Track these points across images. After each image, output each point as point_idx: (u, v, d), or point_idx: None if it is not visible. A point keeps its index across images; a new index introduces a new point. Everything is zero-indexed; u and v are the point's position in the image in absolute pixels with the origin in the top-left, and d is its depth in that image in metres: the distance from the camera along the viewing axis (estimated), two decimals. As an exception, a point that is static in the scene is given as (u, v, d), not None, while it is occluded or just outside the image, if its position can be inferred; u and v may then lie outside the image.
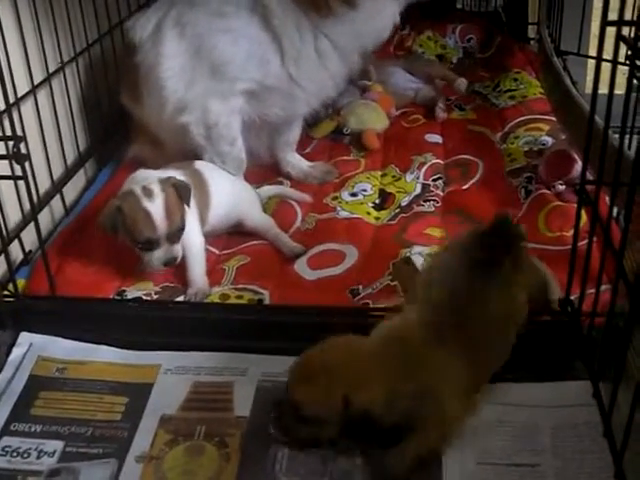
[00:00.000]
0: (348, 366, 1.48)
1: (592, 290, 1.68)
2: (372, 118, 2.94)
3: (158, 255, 2.02)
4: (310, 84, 2.40)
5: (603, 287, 1.64)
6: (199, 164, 2.26)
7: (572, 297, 1.81)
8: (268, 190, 2.53)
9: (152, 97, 2.46)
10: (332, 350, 1.52)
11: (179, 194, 2.03)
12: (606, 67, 1.51)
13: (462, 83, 3.25)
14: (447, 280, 1.62)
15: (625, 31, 1.46)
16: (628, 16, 1.51)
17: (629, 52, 1.41)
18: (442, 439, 1.52)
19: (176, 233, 2.03)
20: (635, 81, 1.45)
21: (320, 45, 2.33)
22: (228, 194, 2.22)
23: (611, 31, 1.47)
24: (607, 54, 1.51)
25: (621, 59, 1.48)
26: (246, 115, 2.43)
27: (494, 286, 1.53)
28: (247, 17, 2.28)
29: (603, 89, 1.51)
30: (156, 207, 1.97)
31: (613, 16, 1.48)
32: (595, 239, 1.69)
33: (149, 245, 2.01)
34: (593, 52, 1.55)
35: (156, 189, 1.99)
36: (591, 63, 1.49)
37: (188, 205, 2.05)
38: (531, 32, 3.77)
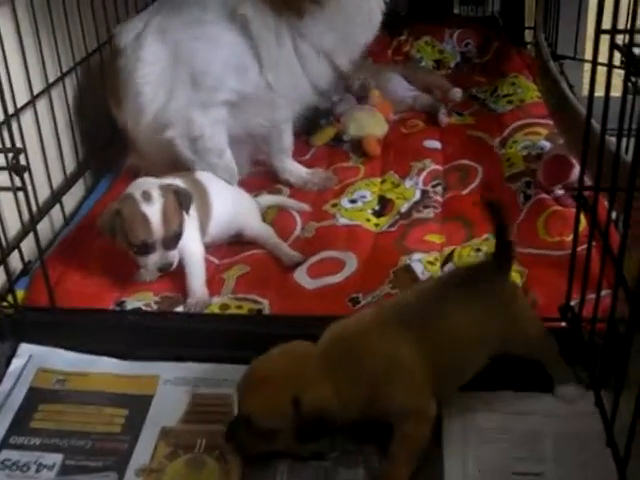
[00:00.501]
0: (294, 369, 1.51)
1: (593, 295, 1.67)
2: (372, 124, 2.94)
3: (153, 260, 2.02)
4: (290, 90, 2.41)
5: (603, 292, 1.63)
6: (199, 174, 2.26)
7: (572, 303, 1.81)
8: (267, 200, 2.52)
9: (130, 103, 2.45)
10: (277, 357, 1.55)
11: (179, 201, 2.03)
12: (603, 70, 1.51)
13: (457, 93, 3.23)
14: (419, 287, 1.74)
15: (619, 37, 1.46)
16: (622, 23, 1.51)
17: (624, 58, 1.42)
18: (418, 426, 1.52)
19: (173, 239, 2.02)
20: (630, 84, 1.44)
21: (301, 48, 2.34)
22: (228, 204, 2.22)
23: (606, 37, 1.47)
24: (603, 57, 1.50)
25: (617, 62, 1.48)
26: (230, 128, 2.43)
27: (464, 303, 1.56)
28: (226, 25, 2.29)
29: (600, 92, 1.51)
30: (153, 211, 1.97)
31: (608, 20, 1.48)
32: (595, 244, 1.69)
33: (145, 249, 2.00)
34: (589, 56, 1.55)
35: (155, 194, 1.99)
36: (587, 66, 1.49)
37: (187, 213, 2.05)
38: (528, 36, 3.76)
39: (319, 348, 1.55)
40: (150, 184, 2.05)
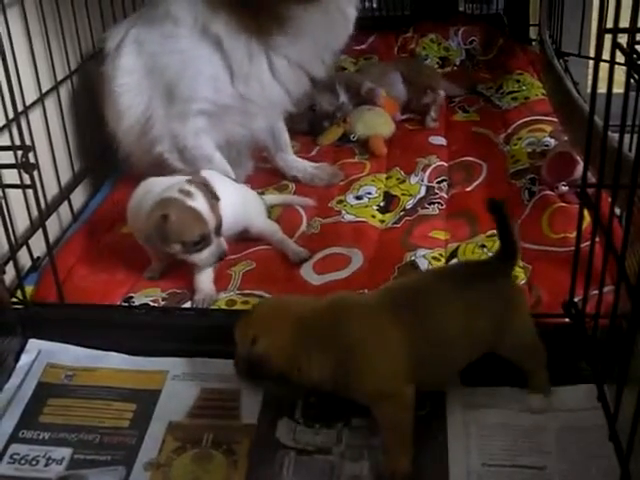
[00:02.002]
0: (273, 315, 1.63)
1: (596, 292, 1.67)
2: (379, 124, 2.94)
3: (211, 251, 2.02)
4: (263, 101, 2.42)
5: (606, 288, 1.63)
6: (206, 173, 2.26)
7: (576, 299, 1.81)
8: (271, 199, 2.53)
9: (109, 108, 2.49)
10: (279, 301, 1.73)
11: (209, 190, 2.04)
12: (607, 66, 1.51)
13: (439, 97, 3.20)
14: (420, 275, 1.82)
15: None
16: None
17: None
18: (395, 411, 1.54)
19: (220, 226, 2.02)
20: (633, 81, 1.45)
21: (273, 61, 2.36)
22: (235, 202, 2.22)
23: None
24: (607, 54, 1.51)
25: (620, 59, 1.48)
26: (213, 136, 2.45)
27: (460, 298, 1.56)
28: (198, 39, 2.30)
29: (603, 88, 1.51)
30: (201, 204, 1.96)
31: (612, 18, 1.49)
32: (598, 240, 1.69)
33: (203, 242, 1.99)
34: (594, 53, 1.55)
35: (192, 188, 1.99)
36: (592, 64, 1.50)
37: (218, 198, 2.05)
38: (533, 33, 3.76)
39: (312, 310, 1.61)
40: (176, 182, 2.04)
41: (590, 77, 1.67)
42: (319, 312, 1.60)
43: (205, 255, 2.02)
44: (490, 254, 1.91)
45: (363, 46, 3.78)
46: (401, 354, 1.52)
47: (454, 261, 2.13)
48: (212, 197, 2.00)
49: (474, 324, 1.55)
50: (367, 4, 3.89)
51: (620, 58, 1.44)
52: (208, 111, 2.38)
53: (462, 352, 1.59)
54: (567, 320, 1.83)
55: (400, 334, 1.52)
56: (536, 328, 1.65)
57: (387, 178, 2.67)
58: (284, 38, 2.30)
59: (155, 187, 2.06)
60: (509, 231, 1.56)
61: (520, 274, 2.01)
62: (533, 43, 3.71)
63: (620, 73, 1.48)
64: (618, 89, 1.48)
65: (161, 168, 2.38)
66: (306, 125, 3.00)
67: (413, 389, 1.53)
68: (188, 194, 1.96)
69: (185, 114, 2.37)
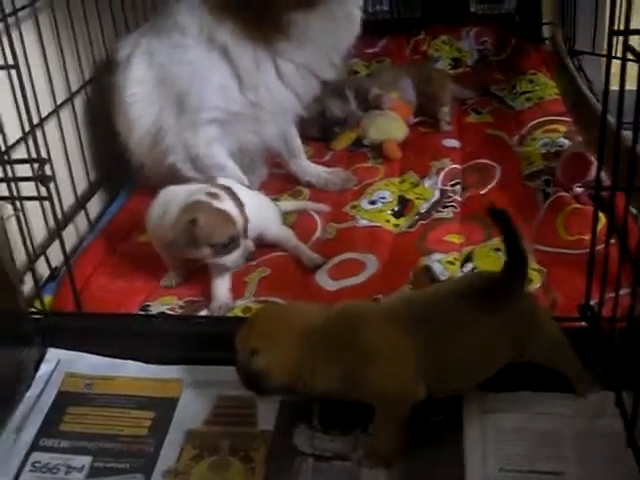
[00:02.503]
0: (275, 328, 1.60)
1: (612, 294, 1.66)
2: (392, 128, 2.94)
3: (240, 253, 2.03)
4: (273, 107, 2.43)
5: (623, 291, 1.62)
6: (222, 180, 2.27)
7: (592, 302, 1.81)
8: (286, 205, 2.53)
9: (120, 118, 2.52)
10: (284, 310, 1.71)
11: (232, 192, 2.05)
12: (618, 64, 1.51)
13: (445, 114, 3.16)
14: (436, 288, 1.77)
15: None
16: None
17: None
18: (397, 409, 1.55)
19: (247, 227, 2.04)
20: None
21: (281, 67, 2.36)
22: (251, 208, 2.23)
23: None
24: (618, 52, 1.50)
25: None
26: (225, 145, 2.46)
27: (475, 314, 1.53)
28: (205, 48, 2.31)
29: (616, 85, 1.50)
30: (229, 205, 1.98)
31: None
32: (613, 241, 1.69)
33: (233, 244, 2.00)
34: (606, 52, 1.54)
35: (217, 190, 2.00)
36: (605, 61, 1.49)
37: (242, 202, 2.06)
38: (546, 32, 3.75)
39: (320, 319, 1.60)
40: (200, 187, 2.06)
41: (604, 75, 1.66)
42: (329, 321, 1.59)
43: (234, 257, 2.03)
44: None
45: (375, 49, 3.78)
46: (413, 364, 1.52)
47: (468, 266, 2.12)
48: (237, 199, 2.02)
49: (491, 344, 1.54)
50: (378, 7, 3.89)
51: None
52: (219, 119, 2.39)
53: (477, 370, 1.58)
54: (583, 324, 1.81)
55: (414, 345, 1.51)
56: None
57: (401, 182, 2.66)
58: (289, 43, 2.31)
59: (177, 194, 2.07)
60: (516, 240, 1.49)
61: (535, 277, 2.01)
62: (546, 42, 3.69)
63: (634, 67, 1.47)
64: (631, 86, 1.47)
65: (174, 177, 2.39)
66: (317, 131, 3.01)
67: (423, 389, 1.54)
68: (215, 196, 1.98)
69: (196, 123, 2.38)
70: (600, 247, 1.74)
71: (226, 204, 1.97)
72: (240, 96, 2.37)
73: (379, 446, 1.59)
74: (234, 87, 2.35)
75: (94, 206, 2.63)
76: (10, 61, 1.80)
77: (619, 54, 1.50)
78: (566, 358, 1.65)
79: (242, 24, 2.27)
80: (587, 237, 2.00)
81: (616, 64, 1.54)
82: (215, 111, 2.37)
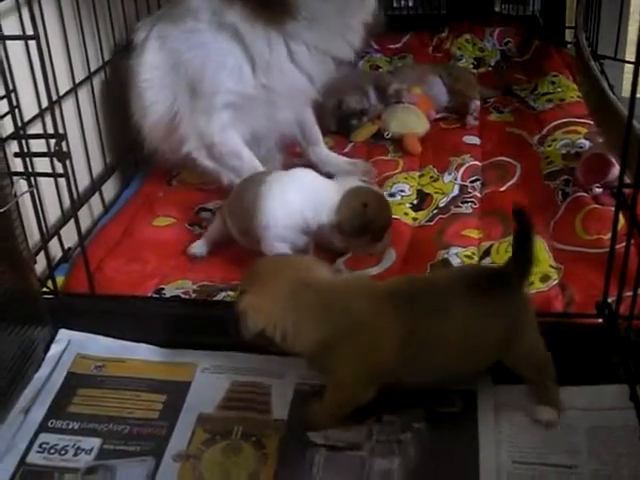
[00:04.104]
0: (266, 273, 1.62)
1: (630, 293, 1.66)
2: (414, 122, 2.92)
3: (387, 238, 2.08)
4: (285, 89, 2.41)
5: (640, 290, 1.63)
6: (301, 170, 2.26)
7: (609, 300, 1.80)
8: None
9: (134, 103, 2.51)
10: (279, 260, 1.75)
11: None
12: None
13: (475, 106, 3.16)
14: (432, 275, 1.83)
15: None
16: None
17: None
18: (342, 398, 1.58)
19: None
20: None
21: (294, 51, 2.34)
22: None
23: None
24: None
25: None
26: (239, 131, 2.44)
27: (466, 306, 1.52)
28: (217, 32, 2.30)
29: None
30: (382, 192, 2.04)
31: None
32: (633, 241, 1.68)
33: (386, 230, 2.05)
34: (630, 56, 1.53)
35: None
36: (628, 67, 1.48)
37: None
38: (568, 36, 3.74)
39: (320, 281, 1.60)
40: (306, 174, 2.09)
41: (626, 80, 1.65)
42: (326, 283, 1.59)
43: (383, 242, 2.07)
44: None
45: (398, 45, 3.77)
46: (389, 345, 1.52)
47: (487, 261, 2.11)
48: None
49: (477, 334, 1.53)
50: (403, 3, 3.88)
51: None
52: (233, 104, 2.37)
53: (460, 358, 1.56)
54: (600, 321, 1.81)
55: (393, 325, 1.51)
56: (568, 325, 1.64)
57: (420, 176, 2.65)
58: (298, 24, 2.28)
59: (309, 179, 2.08)
60: (528, 241, 1.51)
61: (553, 274, 2.00)
62: (568, 46, 3.68)
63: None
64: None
65: (188, 163, 2.42)
66: (333, 123, 2.98)
67: (373, 391, 1.56)
68: (370, 183, 2.01)
69: (210, 109, 2.36)
70: (619, 246, 1.74)
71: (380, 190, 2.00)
72: (253, 79, 2.35)
73: (319, 417, 1.61)
74: (247, 70, 2.33)
75: (109, 189, 2.62)
76: (30, 32, 1.77)
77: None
78: (544, 372, 1.62)
79: (252, 6, 2.26)
80: (605, 237, 2.04)
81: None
82: (229, 95, 2.35)
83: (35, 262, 1.98)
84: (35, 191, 1.90)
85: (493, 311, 1.53)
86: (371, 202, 1.96)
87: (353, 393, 1.56)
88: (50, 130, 1.84)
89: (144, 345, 1.88)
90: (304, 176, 2.09)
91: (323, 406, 1.60)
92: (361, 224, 1.95)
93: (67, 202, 2.01)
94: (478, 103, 3.09)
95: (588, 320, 1.83)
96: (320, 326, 1.53)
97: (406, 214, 2.40)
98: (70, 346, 1.91)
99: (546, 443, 1.57)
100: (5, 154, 1.82)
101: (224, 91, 2.34)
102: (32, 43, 1.79)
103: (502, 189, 2.52)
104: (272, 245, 2.01)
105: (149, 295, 2.05)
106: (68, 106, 2.32)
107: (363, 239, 1.99)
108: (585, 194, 2.31)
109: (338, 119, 2.98)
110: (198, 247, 2.19)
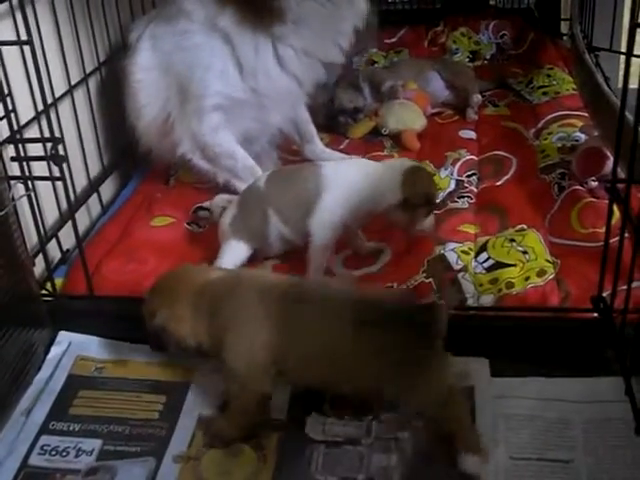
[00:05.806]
0: (172, 288, 1.67)
1: (624, 287, 1.66)
2: (411, 118, 2.92)
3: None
4: (273, 93, 2.42)
5: (635, 284, 1.64)
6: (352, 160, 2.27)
7: (604, 294, 1.81)
8: None
9: (127, 104, 2.51)
10: (177, 275, 1.72)
11: None
12: (637, 62, 1.50)
13: (476, 99, 3.16)
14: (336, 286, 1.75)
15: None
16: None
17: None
18: (241, 394, 1.61)
19: None
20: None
21: (281, 54, 2.35)
22: None
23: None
24: (638, 49, 1.49)
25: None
26: (231, 132, 2.44)
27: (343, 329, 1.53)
28: (208, 34, 2.31)
29: (635, 84, 1.49)
30: None
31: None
32: (627, 235, 1.68)
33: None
34: (625, 48, 1.53)
35: None
36: (623, 58, 1.47)
37: None
38: (564, 28, 3.75)
39: (217, 278, 1.68)
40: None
41: (621, 72, 1.65)
42: (218, 282, 1.66)
43: (430, 218, 2.09)
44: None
45: (393, 39, 3.78)
46: (262, 349, 1.56)
47: (483, 256, 2.10)
48: None
49: (354, 353, 1.52)
50: (398, -3, 3.88)
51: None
52: (222, 106, 2.38)
53: (330, 368, 1.56)
54: (595, 315, 1.82)
55: (264, 329, 1.56)
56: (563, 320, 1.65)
57: (417, 172, 2.64)
58: (286, 28, 2.30)
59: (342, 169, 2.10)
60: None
61: (549, 268, 2.00)
62: (564, 38, 3.69)
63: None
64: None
65: (182, 164, 2.43)
66: (321, 119, 2.96)
67: (268, 384, 1.60)
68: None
69: (200, 111, 2.37)
70: (613, 240, 1.75)
71: None
72: (241, 83, 2.36)
73: (218, 425, 1.64)
74: (235, 73, 2.34)
75: (107, 190, 2.62)
76: (23, 37, 1.77)
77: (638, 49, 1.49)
78: (459, 422, 1.55)
79: (242, 9, 2.27)
80: (600, 230, 2.02)
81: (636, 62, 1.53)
82: (217, 97, 2.36)
83: (34, 264, 1.98)
84: (32, 194, 1.91)
85: (376, 344, 1.51)
86: (426, 176, 2.06)
87: (245, 383, 1.58)
88: (46, 133, 1.84)
89: (144, 346, 1.86)
90: (362, 164, 2.15)
91: (228, 417, 1.63)
92: (426, 196, 2.01)
93: (65, 204, 2.01)
94: (480, 97, 3.10)
95: (583, 314, 1.84)
96: (208, 323, 1.60)
97: (403, 210, 2.39)
98: (70, 348, 1.91)
99: (542, 438, 1.58)
100: (2, 158, 1.83)
101: (212, 93, 2.35)
102: (27, 47, 1.80)
103: (498, 183, 2.52)
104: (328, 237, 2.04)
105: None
106: (64, 107, 2.32)
107: (425, 211, 2.03)
108: (581, 187, 2.32)
109: (328, 116, 2.99)
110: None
